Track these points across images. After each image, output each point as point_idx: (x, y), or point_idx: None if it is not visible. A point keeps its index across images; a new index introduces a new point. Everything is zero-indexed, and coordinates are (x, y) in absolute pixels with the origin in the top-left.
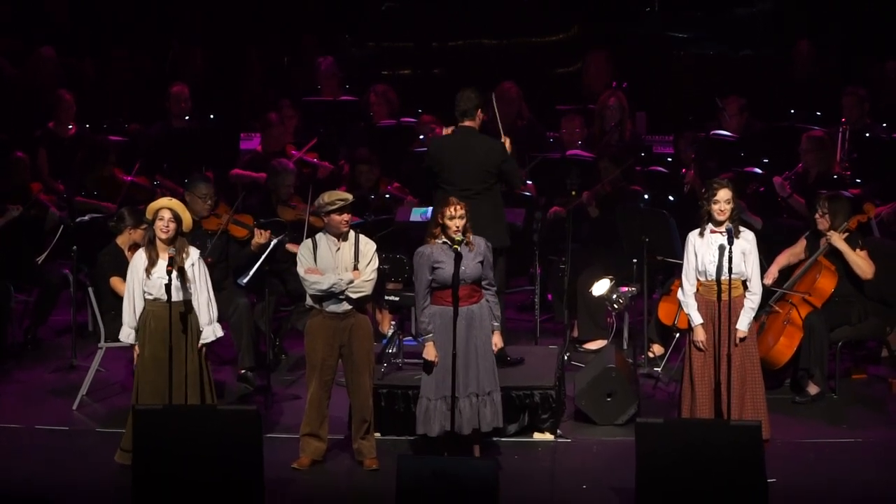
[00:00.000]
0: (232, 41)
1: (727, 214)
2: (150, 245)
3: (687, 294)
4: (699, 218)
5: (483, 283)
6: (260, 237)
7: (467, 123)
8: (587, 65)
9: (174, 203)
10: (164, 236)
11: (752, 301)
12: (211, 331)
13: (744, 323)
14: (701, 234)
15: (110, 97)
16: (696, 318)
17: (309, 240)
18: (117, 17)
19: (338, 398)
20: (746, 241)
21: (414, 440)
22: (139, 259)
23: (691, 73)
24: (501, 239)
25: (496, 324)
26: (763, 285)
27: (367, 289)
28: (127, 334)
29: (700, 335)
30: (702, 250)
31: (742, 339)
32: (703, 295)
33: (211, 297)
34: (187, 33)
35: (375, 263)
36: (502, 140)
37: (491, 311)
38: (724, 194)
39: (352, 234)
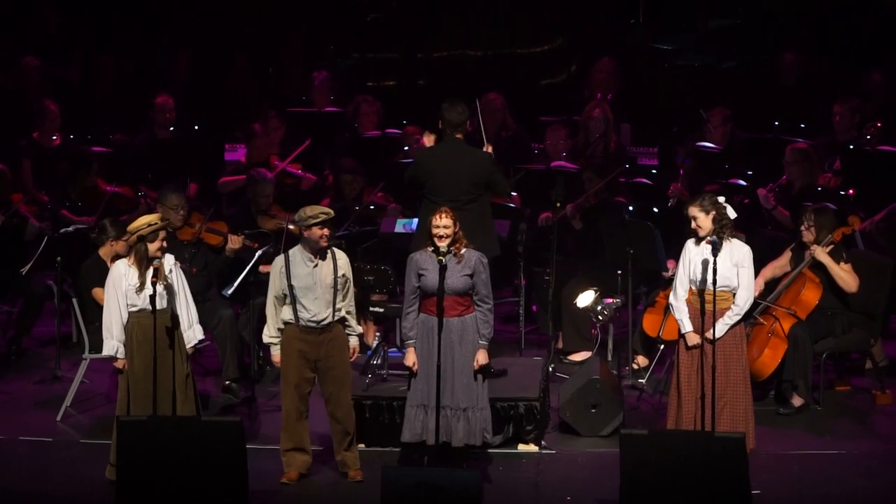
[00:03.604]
0: (218, 51)
1: (705, 231)
2: (143, 262)
3: (679, 300)
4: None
5: (474, 298)
6: (233, 243)
7: (456, 136)
8: (594, 72)
9: (166, 222)
10: (160, 255)
11: (733, 311)
12: (192, 334)
13: (717, 330)
14: (697, 243)
15: (95, 107)
16: (686, 326)
17: (280, 258)
18: (104, 26)
19: (316, 410)
20: (741, 255)
21: (402, 451)
22: (118, 273)
23: (676, 84)
24: (490, 249)
25: (482, 342)
26: None
27: (354, 307)
28: (114, 348)
29: (692, 340)
30: (695, 259)
31: (710, 342)
32: (691, 304)
33: (189, 300)
34: (173, 43)
35: (351, 277)
36: (485, 147)
37: (478, 327)
38: (691, 211)
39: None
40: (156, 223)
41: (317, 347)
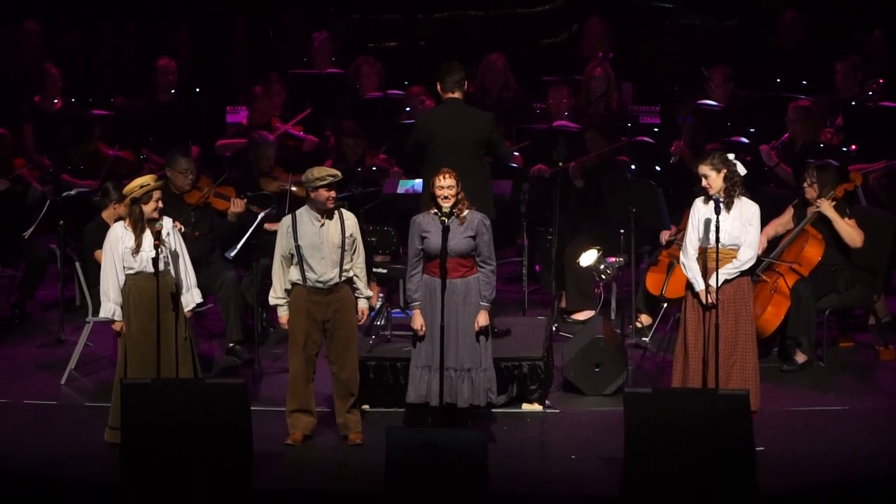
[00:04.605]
0: (218, 14)
1: (715, 189)
2: (138, 224)
3: (690, 258)
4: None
5: (477, 259)
6: (236, 206)
7: (455, 95)
8: (586, 32)
9: (160, 182)
10: (157, 216)
11: (733, 265)
12: (191, 297)
13: (716, 280)
14: (706, 201)
15: (97, 71)
16: (700, 284)
17: (287, 218)
18: None
19: (321, 371)
20: (751, 213)
21: (406, 412)
22: (115, 235)
23: (677, 43)
24: (487, 212)
25: (483, 303)
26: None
27: (364, 270)
28: (111, 310)
29: (704, 297)
30: (704, 217)
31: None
32: (699, 262)
33: (188, 264)
34: (173, 6)
35: (359, 237)
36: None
37: (480, 288)
38: (701, 169)
39: (335, 210)
40: (148, 184)
41: (324, 308)
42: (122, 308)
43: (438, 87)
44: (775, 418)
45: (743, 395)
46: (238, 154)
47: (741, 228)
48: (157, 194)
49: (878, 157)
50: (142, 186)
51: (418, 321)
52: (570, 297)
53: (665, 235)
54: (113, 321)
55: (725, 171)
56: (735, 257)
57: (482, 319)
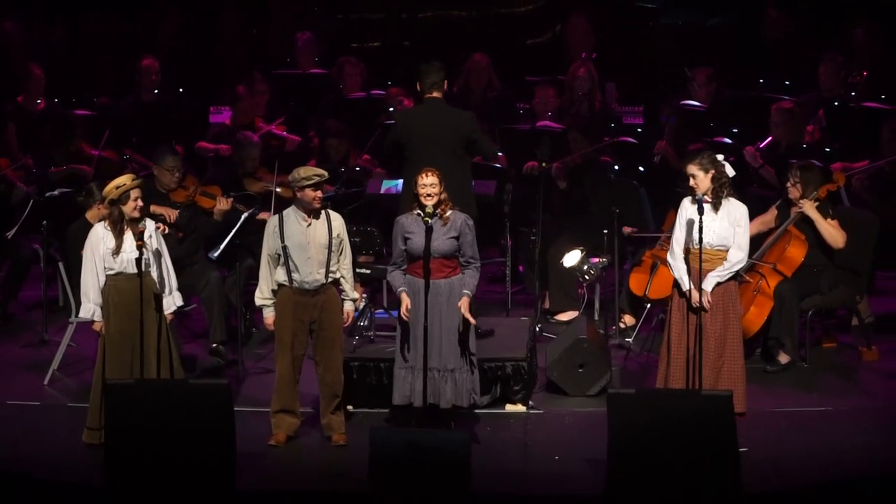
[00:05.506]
0: (203, 12)
1: (702, 190)
2: (118, 224)
3: (677, 258)
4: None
5: (460, 260)
6: (222, 204)
7: (435, 95)
8: (569, 30)
9: (137, 181)
10: (138, 215)
11: (724, 267)
12: (172, 301)
13: (707, 283)
14: (693, 202)
15: (80, 70)
16: (687, 284)
17: (274, 218)
18: None
19: (307, 372)
20: (739, 214)
21: (389, 412)
22: (96, 236)
23: (661, 43)
24: (469, 211)
25: (465, 291)
26: None
27: (350, 272)
28: (91, 311)
29: (695, 297)
30: (692, 217)
31: (705, 304)
32: (687, 262)
33: (169, 267)
34: (158, 4)
35: (346, 238)
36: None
37: (464, 280)
38: (689, 169)
39: (322, 211)
40: (123, 184)
41: (311, 309)
42: (101, 308)
43: (418, 86)
44: (759, 419)
45: (726, 395)
46: (217, 156)
47: (728, 229)
48: (134, 193)
49: (860, 156)
50: (118, 187)
51: (405, 302)
52: (553, 297)
53: (628, 229)
54: (93, 321)
55: (713, 171)
56: (722, 258)
57: (464, 306)
